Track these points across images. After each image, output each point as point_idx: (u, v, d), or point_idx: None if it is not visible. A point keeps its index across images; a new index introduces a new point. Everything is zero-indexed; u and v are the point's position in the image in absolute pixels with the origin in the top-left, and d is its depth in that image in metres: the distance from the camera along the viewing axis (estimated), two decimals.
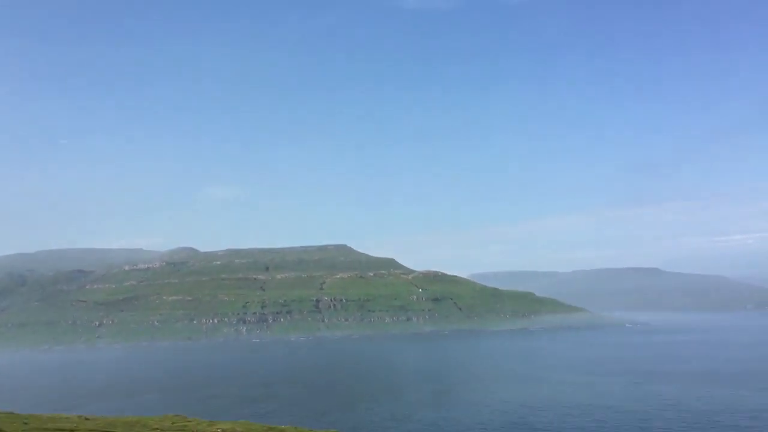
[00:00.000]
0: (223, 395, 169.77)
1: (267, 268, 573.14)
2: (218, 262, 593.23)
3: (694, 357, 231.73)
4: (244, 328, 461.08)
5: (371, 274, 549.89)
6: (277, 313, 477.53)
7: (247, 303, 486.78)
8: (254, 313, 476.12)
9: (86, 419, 41.84)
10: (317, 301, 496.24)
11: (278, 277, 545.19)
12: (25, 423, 36.51)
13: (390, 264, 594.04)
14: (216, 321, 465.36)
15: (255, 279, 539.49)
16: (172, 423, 40.97)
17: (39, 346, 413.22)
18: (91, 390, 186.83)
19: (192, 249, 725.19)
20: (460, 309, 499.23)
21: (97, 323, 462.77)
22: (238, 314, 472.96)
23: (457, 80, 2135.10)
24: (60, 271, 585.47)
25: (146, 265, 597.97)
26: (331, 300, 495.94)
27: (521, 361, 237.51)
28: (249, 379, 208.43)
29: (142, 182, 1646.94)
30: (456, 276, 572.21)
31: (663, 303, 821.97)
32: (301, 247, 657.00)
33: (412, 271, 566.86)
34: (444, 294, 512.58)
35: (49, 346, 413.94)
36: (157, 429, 35.69)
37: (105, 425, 38.87)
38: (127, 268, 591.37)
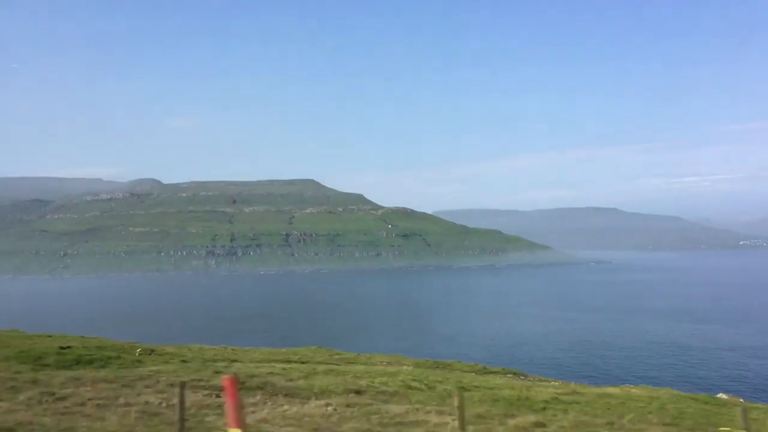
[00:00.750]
0: (211, 326, 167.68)
1: (234, 201, 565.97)
2: (184, 195, 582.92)
3: (668, 295, 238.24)
4: (214, 261, 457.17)
5: (340, 210, 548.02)
6: (247, 246, 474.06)
7: (215, 236, 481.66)
8: (223, 246, 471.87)
9: (224, 349, 39.29)
10: (287, 235, 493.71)
11: (246, 210, 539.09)
12: (189, 350, 34.07)
13: (359, 200, 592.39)
14: (184, 253, 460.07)
15: (223, 212, 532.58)
16: (330, 355, 38.95)
17: (2, 275, 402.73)
18: (82, 318, 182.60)
19: (155, 180, 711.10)
20: (428, 245, 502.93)
21: (62, 253, 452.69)
22: (207, 247, 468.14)
23: (428, 14, 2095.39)
24: (17, 201, 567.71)
25: (108, 196, 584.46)
26: (301, 234, 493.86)
27: (499, 298, 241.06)
28: (232, 311, 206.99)
29: (100, 109, 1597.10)
30: (425, 213, 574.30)
31: (622, 242, 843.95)
32: (269, 180, 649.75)
33: (381, 207, 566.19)
34: (413, 230, 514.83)
35: (13, 275, 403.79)
36: (321, 362, 33.56)
37: (250, 354, 36.53)
38: (88, 198, 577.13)
